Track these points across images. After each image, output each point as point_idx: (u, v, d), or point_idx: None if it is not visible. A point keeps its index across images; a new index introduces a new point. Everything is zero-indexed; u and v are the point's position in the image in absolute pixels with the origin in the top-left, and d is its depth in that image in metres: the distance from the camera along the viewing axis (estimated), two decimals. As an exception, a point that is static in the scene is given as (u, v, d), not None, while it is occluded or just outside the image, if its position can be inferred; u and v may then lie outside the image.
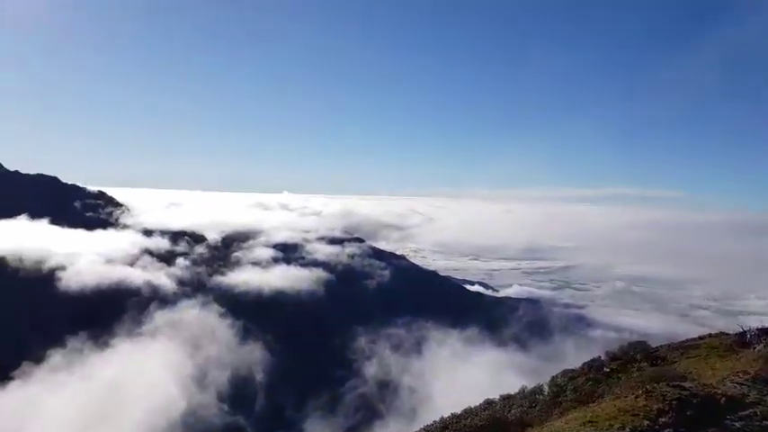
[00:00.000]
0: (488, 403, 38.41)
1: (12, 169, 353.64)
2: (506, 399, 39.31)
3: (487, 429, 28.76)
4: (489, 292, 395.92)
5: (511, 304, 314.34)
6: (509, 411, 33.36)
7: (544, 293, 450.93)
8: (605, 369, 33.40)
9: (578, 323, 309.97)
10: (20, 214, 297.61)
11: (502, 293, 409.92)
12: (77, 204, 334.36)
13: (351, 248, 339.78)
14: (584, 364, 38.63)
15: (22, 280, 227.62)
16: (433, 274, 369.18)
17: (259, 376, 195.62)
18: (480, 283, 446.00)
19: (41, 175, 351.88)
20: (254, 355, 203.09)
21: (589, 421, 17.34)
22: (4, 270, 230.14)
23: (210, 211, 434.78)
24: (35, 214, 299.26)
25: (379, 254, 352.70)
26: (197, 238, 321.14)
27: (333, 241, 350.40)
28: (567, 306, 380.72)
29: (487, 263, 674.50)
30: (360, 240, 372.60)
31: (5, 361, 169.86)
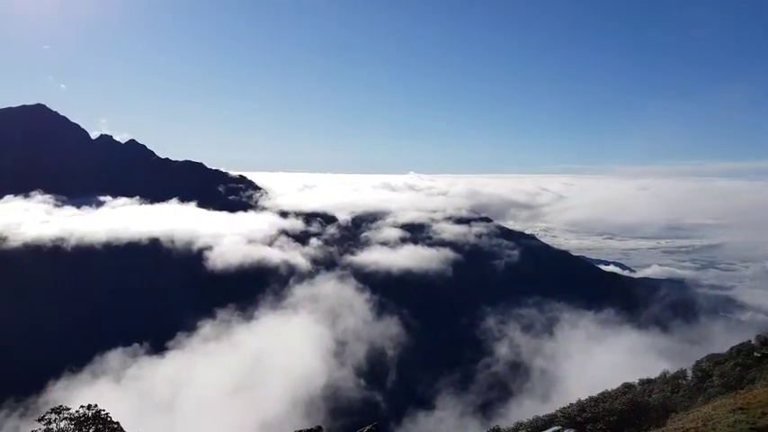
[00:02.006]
0: (627, 387, 37.62)
1: (163, 157, 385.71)
2: (646, 383, 38.29)
3: (627, 414, 28.34)
4: (626, 273, 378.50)
5: (651, 285, 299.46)
6: (650, 396, 32.55)
7: (686, 274, 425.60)
8: (756, 354, 31.63)
9: (726, 305, 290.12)
10: (171, 198, 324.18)
11: (640, 274, 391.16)
12: (221, 188, 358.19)
13: (478, 228, 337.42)
14: (733, 348, 36.78)
15: (174, 258, 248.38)
16: (565, 253, 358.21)
17: (391, 352, 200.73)
18: (616, 263, 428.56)
19: (189, 161, 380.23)
20: (389, 331, 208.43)
21: (739, 408, 16.43)
22: (159, 249, 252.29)
23: (341, 193, 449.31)
24: (184, 198, 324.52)
25: (507, 233, 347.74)
26: (329, 219, 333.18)
27: (460, 221, 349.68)
28: (712, 287, 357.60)
29: (623, 242, 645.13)
30: (487, 220, 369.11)
31: (162, 332, 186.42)
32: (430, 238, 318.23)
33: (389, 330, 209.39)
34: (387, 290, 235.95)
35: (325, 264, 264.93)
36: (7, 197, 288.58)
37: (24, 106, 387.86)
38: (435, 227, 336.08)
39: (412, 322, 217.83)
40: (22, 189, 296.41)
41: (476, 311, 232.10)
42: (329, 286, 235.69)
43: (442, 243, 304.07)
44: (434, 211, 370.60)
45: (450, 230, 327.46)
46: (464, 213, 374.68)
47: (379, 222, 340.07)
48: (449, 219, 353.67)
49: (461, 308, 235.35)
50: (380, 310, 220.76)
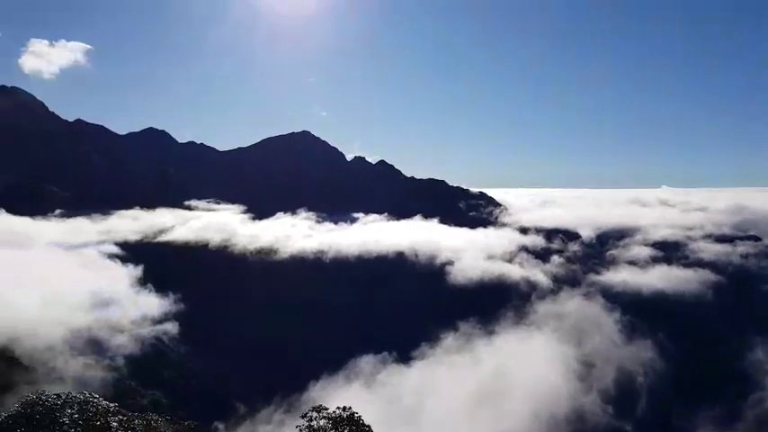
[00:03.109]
0: None
1: (408, 175, 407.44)
2: None
3: None
4: None
5: None
6: None
7: None
8: None
9: None
10: (415, 215, 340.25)
11: None
12: (462, 205, 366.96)
13: (744, 247, 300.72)
14: None
15: (418, 272, 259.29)
16: None
17: (641, 378, 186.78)
18: None
19: (432, 179, 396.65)
20: (640, 356, 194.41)
21: None
22: (404, 263, 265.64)
23: (584, 209, 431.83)
24: (427, 214, 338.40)
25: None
26: (571, 236, 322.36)
27: (721, 239, 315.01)
28: None
29: None
30: (755, 239, 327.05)
31: (408, 341, 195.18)
32: (686, 257, 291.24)
33: (641, 355, 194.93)
34: (638, 311, 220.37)
35: (567, 282, 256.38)
36: (279, 214, 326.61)
37: (293, 133, 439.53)
38: (692, 246, 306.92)
39: (666, 347, 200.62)
40: (291, 207, 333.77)
41: (741, 341, 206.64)
42: (573, 305, 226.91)
43: (701, 264, 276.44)
44: (691, 229, 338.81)
45: (710, 250, 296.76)
46: (726, 231, 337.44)
47: (627, 240, 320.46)
48: (708, 237, 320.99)
49: (723, 336, 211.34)
50: (631, 332, 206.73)
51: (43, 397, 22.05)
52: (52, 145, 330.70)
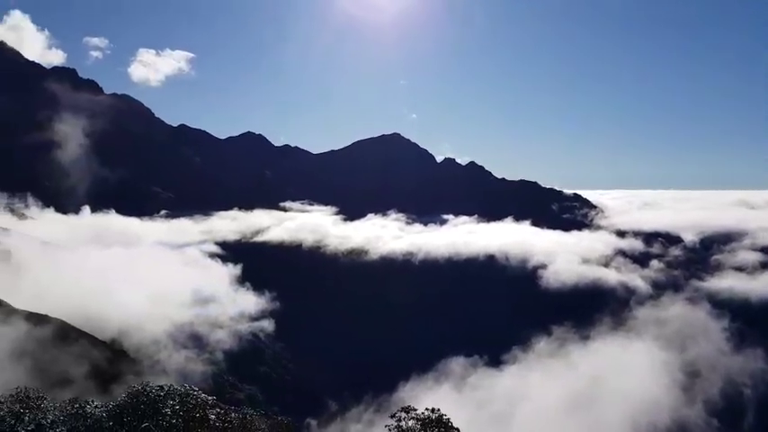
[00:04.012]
0: None
1: (499, 177, 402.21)
2: None
3: None
4: None
5: None
6: None
7: None
8: None
9: None
10: (506, 217, 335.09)
11: None
12: (555, 207, 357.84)
13: None
14: None
15: (509, 275, 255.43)
16: None
17: (749, 390, 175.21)
18: None
19: (523, 181, 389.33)
20: (749, 366, 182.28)
21: None
22: (494, 266, 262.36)
23: (687, 211, 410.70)
24: (519, 217, 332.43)
25: None
26: (672, 240, 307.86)
27: None
28: None
29: None
30: None
31: (498, 345, 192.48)
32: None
33: (749, 365, 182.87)
34: (747, 319, 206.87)
35: (668, 287, 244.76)
36: (369, 215, 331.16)
37: (383, 135, 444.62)
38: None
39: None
40: (381, 208, 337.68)
41: None
42: (676, 311, 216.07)
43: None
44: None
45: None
46: None
47: (734, 244, 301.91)
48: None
49: None
50: (739, 341, 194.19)
51: (147, 388, 23.42)
52: (158, 149, 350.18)
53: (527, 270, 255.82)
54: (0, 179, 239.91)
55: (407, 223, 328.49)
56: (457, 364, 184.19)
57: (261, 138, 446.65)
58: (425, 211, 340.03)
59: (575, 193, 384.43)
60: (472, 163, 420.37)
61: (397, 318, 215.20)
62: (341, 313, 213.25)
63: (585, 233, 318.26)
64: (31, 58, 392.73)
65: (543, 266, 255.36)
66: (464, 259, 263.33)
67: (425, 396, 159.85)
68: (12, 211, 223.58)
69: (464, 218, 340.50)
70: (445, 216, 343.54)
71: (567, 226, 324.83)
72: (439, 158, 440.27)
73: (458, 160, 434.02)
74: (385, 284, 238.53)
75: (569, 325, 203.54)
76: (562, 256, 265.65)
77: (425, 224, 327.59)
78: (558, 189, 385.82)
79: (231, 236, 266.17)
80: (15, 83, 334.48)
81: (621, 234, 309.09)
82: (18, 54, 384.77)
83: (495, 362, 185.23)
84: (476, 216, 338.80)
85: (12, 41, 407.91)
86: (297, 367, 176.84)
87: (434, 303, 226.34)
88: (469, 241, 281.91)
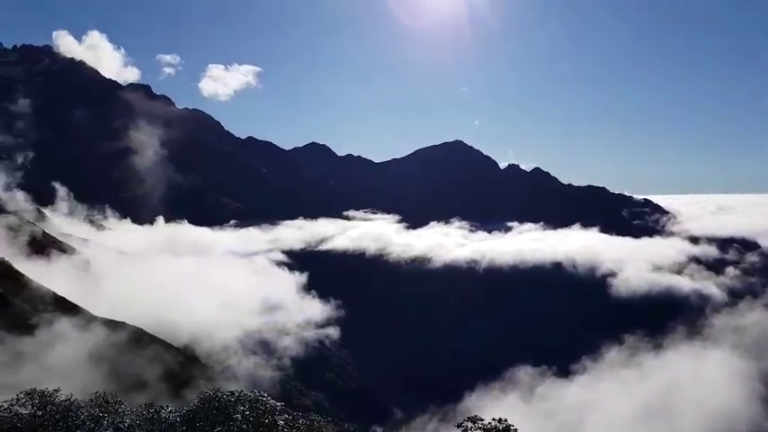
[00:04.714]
0: None
1: (565, 183, 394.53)
2: None
3: None
4: None
5: None
6: None
7: None
8: None
9: None
10: (573, 224, 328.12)
11: None
12: (624, 213, 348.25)
13: None
14: None
15: (577, 283, 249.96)
16: None
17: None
18: None
19: (591, 186, 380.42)
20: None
21: None
22: (561, 274, 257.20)
23: (763, 216, 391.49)
24: (586, 223, 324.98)
25: None
26: (748, 246, 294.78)
27: None
28: None
29: None
30: None
31: (567, 354, 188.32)
32: None
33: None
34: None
35: (745, 294, 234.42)
36: (432, 223, 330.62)
37: (445, 143, 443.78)
38: None
39: None
40: (444, 216, 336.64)
41: None
42: (753, 319, 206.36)
43: None
44: None
45: None
46: None
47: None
48: None
49: None
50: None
51: (219, 393, 24.23)
52: (227, 160, 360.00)
53: (596, 278, 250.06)
54: (81, 191, 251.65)
55: (471, 231, 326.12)
56: (524, 373, 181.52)
57: (325, 148, 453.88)
58: (489, 218, 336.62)
59: (645, 199, 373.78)
60: (537, 169, 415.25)
61: (462, 326, 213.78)
62: (405, 321, 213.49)
63: (657, 239, 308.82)
64: (108, 76, 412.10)
65: (613, 274, 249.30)
66: (530, 267, 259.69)
67: (492, 406, 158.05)
68: (91, 222, 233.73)
69: (529, 225, 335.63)
70: (510, 223, 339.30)
71: (637, 232, 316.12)
72: (502, 165, 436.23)
73: (522, 166, 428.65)
74: (449, 292, 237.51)
75: (641, 334, 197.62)
76: (633, 263, 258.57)
77: (489, 231, 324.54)
78: (627, 194, 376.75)
79: (297, 244, 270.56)
80: (94, 99, 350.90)
81: (695, 240, 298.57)
82: (96, 72, 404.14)
83: (564, 371, 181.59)
84: (541, 223, 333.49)
85: (90, 60, 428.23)
86: (362, 374, 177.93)
87: (499, 312, 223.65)
88: (535, 248, 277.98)
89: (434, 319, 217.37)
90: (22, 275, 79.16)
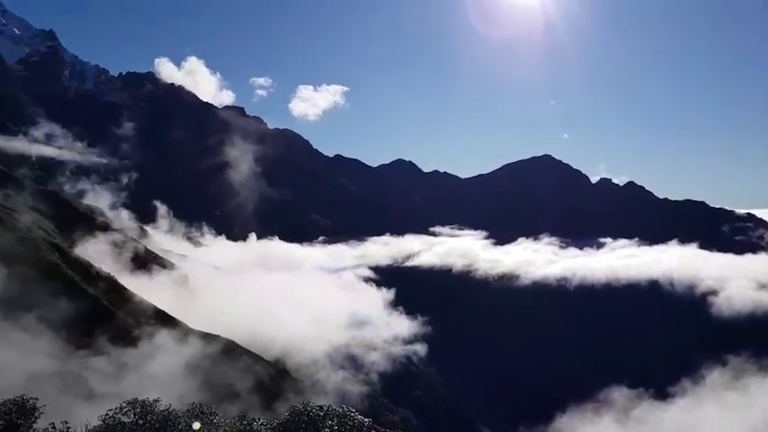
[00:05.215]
0: None
1: (661, 197, 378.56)
2: None
3: None
4: None
5: None
6: None
7: None
8: None
9: None
10: (670, 239, 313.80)
11: None
12: (725, 228, 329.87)
13: None
14: None
15: (674, 301, 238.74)
16: None
17: None
18: None
19: (689, 200, 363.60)
20: None
21: None
22: (658, 292, 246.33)
23: None
24: (684, 239, 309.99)
25: None
26: None
27: None
28: None
29: None
30: None
31: (665, 376, 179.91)
32: None
33: None
34: None
35: None
36: (520, 239, 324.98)
37: (533, 157, 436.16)
38: None
39: None
40: (533, 232, 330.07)
41: None
42: None
43: None
44: None
45: None
46: None
47: None
48: None
49: None
50: None
51: (308, 408, 24.70)
52: (316, 178, 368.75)
53: (695, 296, 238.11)
54: (179, 210, 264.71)
55: (561, 247, 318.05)
56: (619, 394, 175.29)
57: (411, 164, 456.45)
58: (581, 234, 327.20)
59: (748, 213, 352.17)
60: (631, 183, 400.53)
61: (552, 344, 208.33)
62: (492, 338, 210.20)
63: (762, 256, 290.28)
64: (205, 99, 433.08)
65: (714, 292, 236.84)
66: (624, 285, 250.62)
67: (585, 428, 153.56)
68: (189, 238, 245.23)
69: (623, 241, 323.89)
70: (602, 239, 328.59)
71: (740, 249, 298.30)
72: (594, 179, 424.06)
73: (614, 180, 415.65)
74: (538, 310, 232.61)
75: (746, 355, 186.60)
76: (736, 281, 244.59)
77: (581, 248, 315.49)
78: (728, 209, 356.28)
79: (384, 260, 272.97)
80: (193, 122, 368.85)
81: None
82: (194, 96, 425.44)
83: (662, 394, 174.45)
84: (636, 239, 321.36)
85: (189, 85, 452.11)
86: (449, 392, 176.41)
87: (592, 331, 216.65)
88: (630, 265, 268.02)
89: (523, 337, 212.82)
90: (126, 290, 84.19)
